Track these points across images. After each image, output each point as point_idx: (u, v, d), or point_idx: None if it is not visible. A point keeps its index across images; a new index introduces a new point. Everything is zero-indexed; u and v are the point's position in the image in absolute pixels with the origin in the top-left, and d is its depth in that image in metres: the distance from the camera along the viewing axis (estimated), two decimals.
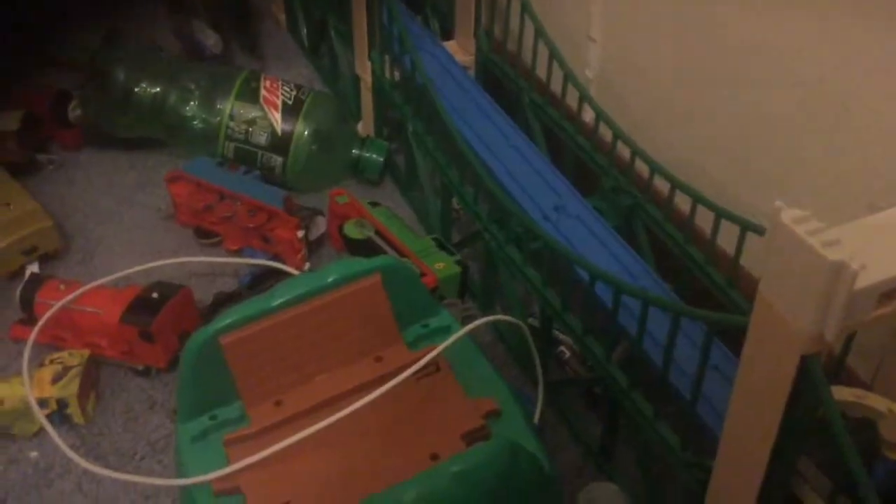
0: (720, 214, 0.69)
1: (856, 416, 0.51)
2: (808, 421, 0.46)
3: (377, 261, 0.64)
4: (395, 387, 0.59)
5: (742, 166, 0.75)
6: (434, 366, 0.62)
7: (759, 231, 0.66)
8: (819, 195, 0.68)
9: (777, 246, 0.42)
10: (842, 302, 0.40)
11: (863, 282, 0.40)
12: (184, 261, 0.88)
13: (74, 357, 0.76)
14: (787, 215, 0.42)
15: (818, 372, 0.43)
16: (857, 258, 0.39)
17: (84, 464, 0.65)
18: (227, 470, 0.56)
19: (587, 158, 0.84)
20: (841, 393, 0.52)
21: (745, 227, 0.67)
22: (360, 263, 0.63)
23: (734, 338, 0.59)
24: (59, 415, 0.74)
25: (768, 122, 0.71)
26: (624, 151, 0.80)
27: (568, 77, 0.85)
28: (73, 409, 0.74)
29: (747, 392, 0.48)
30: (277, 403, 0.60)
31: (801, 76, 0.66)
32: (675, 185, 0.74)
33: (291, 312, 0.60)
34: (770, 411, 0.46)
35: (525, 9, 0.89)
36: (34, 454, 0.73)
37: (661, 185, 0.76)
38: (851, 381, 0.65)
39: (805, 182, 0.69)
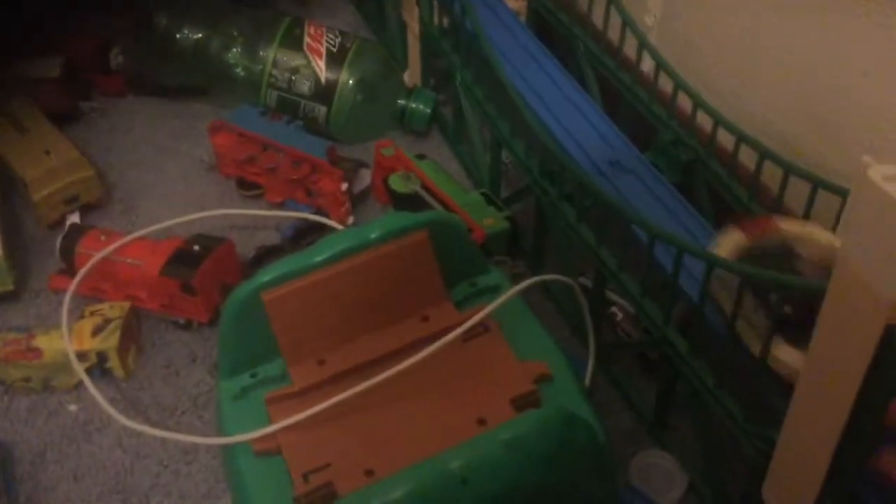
0: (789, 170, 0.65)
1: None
2: (888, 395, 0.43)
3: (424, 216, 0.61)
4: (441, 348, 0.57)
5: (814, 119, 0.71)
6: (483, 326, 0.59)
7: (832, 189, 0.62)
8: None
9: (863, 205, 0.39)
10: None
11: None
12: (226, 213, 0.86)
13: (115, 309, 0.75)
14: (877, 172, 0.38)
15: None
16: None
17: (123, 420, 0.64)
18: (268, 430, 0.55)
19: (645, 110, 0.80)
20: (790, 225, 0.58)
21: (817, 183, 0.63)
22: (407, 218, 0.60)
23: (803, 304, 0.56)
24: (100, 368, 0.73)
25: (850, 69, 0.66)
26: (685, 103, 0.76)
27: (626, 24, 0.80)
28: (114, 363, 0.73)
29: (822, 361, 0.45)
30: (320, 363, 0.58)
31: (885, 20, 0.61)
32: (741, 138, 0.70)
33: (335, 269, 0.58)
34: (846, 383, 0.43)
35: None
36: (74, 407, 0.72)
37: (725, 139, 0.72)
38: None
39: (883, 136, 0.64)
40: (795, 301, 0.51)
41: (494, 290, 0.63)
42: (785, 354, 0.52)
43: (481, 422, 0.54)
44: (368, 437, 0.55)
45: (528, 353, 0.59)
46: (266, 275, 0.57)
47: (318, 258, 0.58)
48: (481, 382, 0.57)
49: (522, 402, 0.55)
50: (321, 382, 0.57)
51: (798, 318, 0.49)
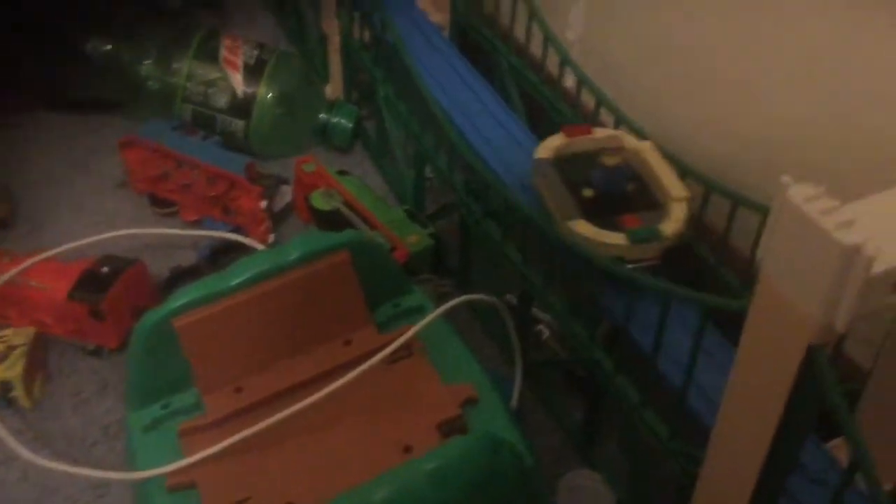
0: (710, 187, 0.66)
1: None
2: (810, 414, 0.43)
3: (345, 235, 0.59)
4: (364, 372, 0.55)
5: (737, 136, 0.71)
6: (407, 349, 0.58)
7: (753, 206, 0.62)
8: (817, 167, 0.64)
9: (784, 225, 0.39)
10: (856, 289, 0.37)
11: (879, 266, 0.37)
12: (138, 232, 0.83)
13: (19, 336, 0.71)
14: (796, 192, 0.38)
15: (824, 364, 0.40)
16: (872, 241, 0.36)
17: (27, 455, 0.61)
18: (181, 463, 0.52)
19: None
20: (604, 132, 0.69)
21: (738, 201, 0.63)
22: (327, 238, 0.58)
23: (726, 320, 0.56)
24: (4, 398, 0.69)
25: (768, 87, 0.67)
26: (608, 119, 0.76)
27: (548, 39, 0.80)
28: (19, 392, 0.69)
29: (745, 381, 0.44)
30: (237, 390, 0.56)
31: (801, 37, 0.62)
32: (663, 155, 0.70)
33: (252, 292, 0.56)
34: (769, 403, 0.43)
35: None
36: None
37: None
38: (850, 368, 0.62)
39: (807, 156, 0.65)
40: (597, 189, 0.64)
41: (418, 311, 0.62)
42: (581, 227, 0.61)
43: (407, 449, 0.53)
44: (289, 467, 0.53)
45: (453, 376, 0.58)
46: (178, 300, 0.55)
47: (234, 282, 0.56)
48: (406, 407, 0.56)
49: (448, 428, 0.54)
50: (238, 411, 0.55)
51: (597, 204, 0.63)
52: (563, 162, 0.67)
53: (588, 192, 0.64)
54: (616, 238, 0.60)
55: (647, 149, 0.67)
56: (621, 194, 0.64)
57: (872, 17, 0.57)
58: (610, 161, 0.64)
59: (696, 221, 0.68)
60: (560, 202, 0.63)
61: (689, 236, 0.68)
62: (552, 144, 0.68)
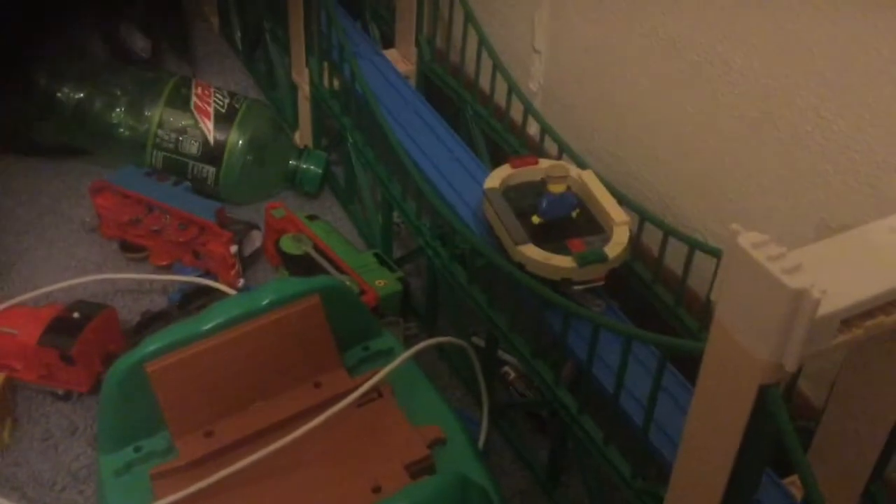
0: (668, 232, 0.68)
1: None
2: (765, 450, 0.45)
3: (315, 281, 0.61)
4: (334, 415, 0.56)
5: (691, 182, 0.74)
6: (376, 392, 0.59)
7: (707, 250, 0.65)
8: (768, 213, 0.67)
9: (734, 271, 0.41)
10: (803, 331, 0.39)
11: (825, 309, 0.39)
12: (109, 277, 0.83)
13: None
14: (745, 239, 0.40)
15: (778, 402, 0.42)
16: (817, 284, 0.38)
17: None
18: None
19: None
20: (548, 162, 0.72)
21: (694, 245, 0.66)
22: (297, 284, 0.60)
23: (685, 361, 0.58)
24: None
25: (718, 137, 0.70)
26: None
27: (512, 89, 0.83)
28: None
29: (702, 420, 0.46)
30: (208, 434, 0.57)
31: (752, 89, 0.65)
32: (622, 200, 0.72)
33: (223, 337, 0.57)
34: (726, 441, 0.44)
35: (469, 18, 0.87)
36: None
37: None
38: (803, 405, 0.64)
39: (754, 199, 0.68)
40: (544, 216, 0.67)
41: (387, 354, 0.63)
42: (530, 251, 0.64)
43: (376, 490, 0.54)
44: None
45: (421, 417, 0.59)
46: (150, 345, 0.56)
47: (206, 326, 0.57)
48: (375, 449, 0.57)
49: (417, 468, 0.55)
50: (209, 455, 0.56)
51: (545, 229, 0.67)
52: (510, 191, 0.71)
53: (536, 219, 0.67)
54: (564, 261, 0.64)
55: (589, 176, 0.71)
56: (567, 220, 0.68)
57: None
58: (556, 189, 0.68)
59: (655, 264, 0.70)
60: (510, 228, 0.66)
61: (648, 279, 0.71)
62: (500, 175, 0.71)
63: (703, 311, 0.67)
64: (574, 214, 0.68)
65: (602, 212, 0.68)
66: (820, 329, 0.39)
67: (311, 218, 0.87)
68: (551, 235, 0.66)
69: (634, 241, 0.71)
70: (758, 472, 0.46)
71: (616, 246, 0.66)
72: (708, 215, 0.73)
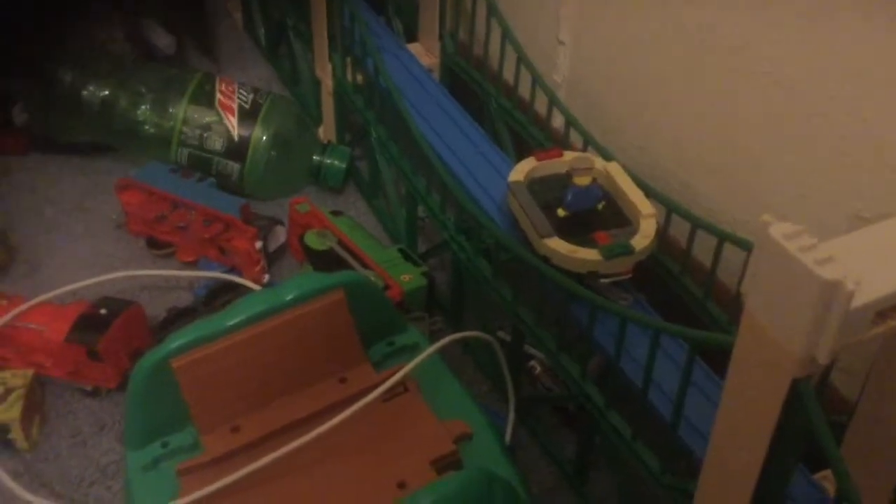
0: (696, 224, 0.67)
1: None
2: (797, 445, 0.44)
3: (339, 276, 0.60)
4: (360, 410, 0.56)
5: (718, 173, 0.73)
6: (401, 386, 0.59)
7: (736, 242, 0.64)
8: (801, 204, 0.66)
9: (766, 262, 0.40)
10: (837, 322, 0.38)
11: (858, 300, 0.38)
12: (135, 274, 0.83)
13: (17, 377, 0.72)
14: (777, 230, 0.39)
15: (810, 396, 0.41)
16: (851, 275, 0.37)
17: (28, 496, 0.61)
18: (180, 502, 0.53)
19: None
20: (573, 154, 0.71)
21: (723, 237, 0.65)
22: (322, 279, 0.59)
23: (714, 354, 0.57)
24: (1, 440, 0.69)
25: (747, 127, 0.69)
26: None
27: (536, 81, 0.82)
28: (16, 434, 0.70)
29: (733, 415, 0.45)
30: (234, 429, 0.57)
31: (782, 79, 0.64)
32: (649, 192, 0.71)
33: (248, 332, 0.57)
34: (757, 436, 0.44)
35: (492, 11, 0.86)
36: None
37: None
38: (835, 399, 0.63)
39: (784, 190, 0.67)
40: (569, 208, 0.67)
41: (412, 349, 0.63)
42: (556, 244, 0.64)
43: (401, 485, 0.53)
44: None
45: (447, 412, 0.59)
46: (175, 341, 0.56)
47: (230, 322, 0.57)
48: (401, 444, 0.56)
49: (443, 464, 0.55)
50: (235, 450, 0.56)
51: (571, 222, 0.66)
52: (535, 184, 0.70)
53: (561, 212, 0.67)
54: (590, 254, 0.63)
55: (615, 168, 0.70)
56: (593, 213, 0.67)
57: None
58: (581, 181, 0.67)
59: (683, 257, 0.69)
60: (535, 222, 0.66)
61: (676, 271, 0.70)
62: (524, 168, 0.71)
63: (733, 304, 0.66)
64: (600, 207, 0.68)
65: (628, 204, 0.68)
66: (854, 321, 0.38)
67: (336, 213, 0.87)
68: (577, 228, 0.66)
69: (662, 234, 0.71)
70: (789, 466, 0.45)
71: (643, 238, 0.65)
72: (737, 207, 0.72)
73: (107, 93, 0.91)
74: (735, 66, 0.68)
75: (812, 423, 0.41)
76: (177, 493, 0.54)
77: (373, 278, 0.75)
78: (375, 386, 0.58)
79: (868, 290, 0.39)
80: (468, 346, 0.80)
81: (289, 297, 0.58)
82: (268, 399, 0.58)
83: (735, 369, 0.44)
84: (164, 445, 0.57)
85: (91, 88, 0.91)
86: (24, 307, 0.74)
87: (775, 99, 0.65)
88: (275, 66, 1.13)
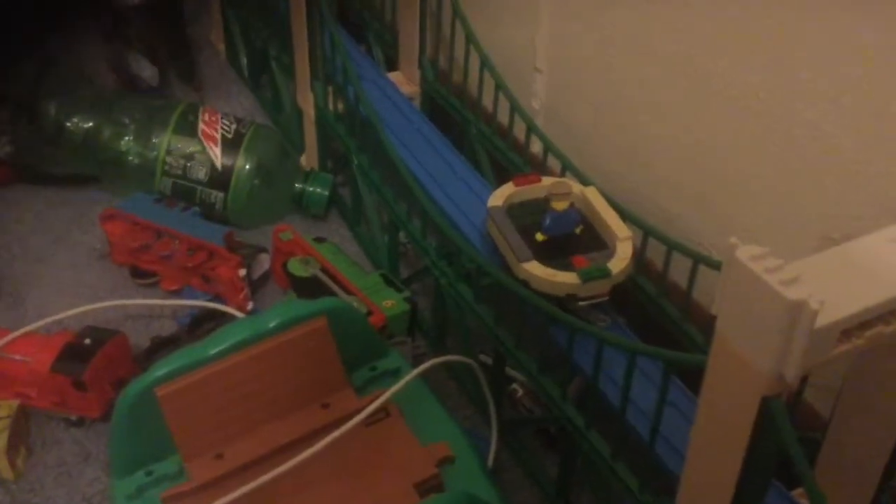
0: (671, 247, 0.68)
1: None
2: (770, 462, 0.45)
3: (322, 303, 0.61)
4: (343, 435, 0.57)
5: (693, 196, 0.75)
6: (383, 411, 0.60)
7: (710, 263, 0.65)
8: (771, 226, 0.67)
9: (733, 284, 0.41)
10: (803, 341, 0.39)
11: (823, 320, 0.39)
12: (119, 304, 0.84)
13: (2, 408, 0.72)
14: (744, 252, 0.40)
15: (781, 413, 0.42)
16: (816, 295, 0.38)
17: None
18: None
19: None
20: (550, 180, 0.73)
21: (697, 259, 0.66)
22: (304, 306, 0.60)
23: (692, 374, 0.58)
24: None
25: (720, 151, 0.70)
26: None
27: (514, 108, 0.84)
28: (2, 464, 0.70)
29: (706, 433, 0.46)
30: (218, 456, 0.57)
31: (753, 105, 0.66)
32: (626, 216, 0.73)
33: (232, 360, 0.58)
34: (730, 453, 0.45)
35: (470, 39, 0.88)
36: None
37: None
38: (809, 415, 0.64)
39: (756, 212, 0.69)
40: (548, 233, 0.69)
41: (395, 374, 0.64)
42: (534, 269, 0.65)
43: None
44: None
45: (429, 436, 0.59)
46: (159, 369, 0.56)
47: (214, 350, 0.58)
48: (384, 468, 0.57)
49: (425, 487, 0.55)
50: (219, 477, 0.56)
51: (549, 246, 0.68)
52: (514, 209, 0.72)
53: (540, 236, 0.68)
54: (568, 277, 0.65)
55: (592, 193, 0.72)
56: (571, 237, 0.69)
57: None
58: (559, 206, 0.68)
59: (659, 279, 0.70)
60: (514, 246, 0.67)
61: (653, 293, 0.71)
62: (503, 193, 0.73)
63: (709, 325, 0.67)
64: (577, 231, 0.69)
65: (605, 228, 0.69)
66: (820, 339, 0.40)
67: (319, 240, 0.88)
68: (555, 252, 0.67)
69: (639, 256, 0.72)
70: (763, 483, 0.46)
71: (620, 261, 0.66)
72: (711, 230, 0.73)
73: (90, 124, 0.92)
74: (708, 91, 0.69)
75: (783, 440, 0.42)
76: None
77: (356, 304, 0.76)
78: (357, 411, 0.58)
79: (833, 309, 0.40)
80: (451, 370, 0.81)
81: (272, 325, 0.59)
82: (251, 426, 0.58)
83: (707, 388, 0.45)
84: (149, 474, 0.57)
85: (75, 120, 0.92)
86: (8, 338, 0.74)
87: (747, 124, 0.67)
88: (257, 96, 1.15)
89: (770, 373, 0.40)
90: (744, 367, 0.41)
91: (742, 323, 0.41)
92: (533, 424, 0.75)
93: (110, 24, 1.04)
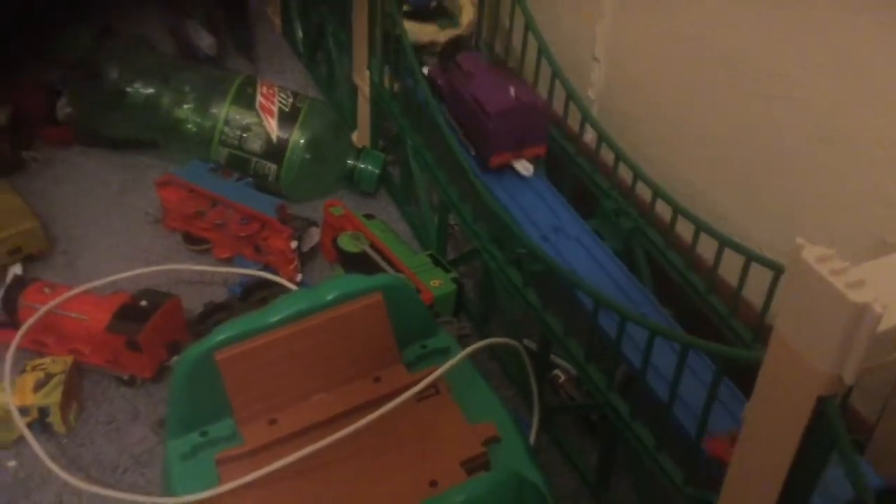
0: (723, 243, 0.69)
1: None
2: (820, 461, 0.45)
3: (379, 279, 0.62)
4: (393, 409, 0.58)
5: (747, 194, 0.75)
6: (434, 388, 0.61)
7: (765, 262, 0.66)
8: (826, 227, 0.67)
9: (797, 284, 0.42)
10: (863, 344, 0.40)
11: (886, 323, 0.40)
12: (173, 268, 0.86)
13: (58, 364, 0.74)
14: (810, 253, 0.41)
15: (835, 414, 0.43)
16: (880, 299, 0.39)
17: (67, 477, 0.64)
18: (218, 490, 0.55)
19: (587, 180, 0.83)
20: None
21: (751, 257, 0.66)
22: (362, 281, 0.61)
23: (736, 370, 0.59)
24: (40, 423, 0.72)
25: (777, 150, 0.70)
26: (626, 174, 0.79)
27: (570, 96, 0.84)
28: (55, 418, 0.72)
29: (758, 430, 0.47)
30: (272, 422, 0.59)
31: (814, 107, 0.66)
32: (678, 210, 0.73)
33: (290, 329, 0.59)
34: (781, 451, 0.45)
35: (529, 26, 0.88)
36: (12, 463, 0.71)
37: (663, 209, 0.76)
38: (855, 420, 0.64)
39: (812, 213, 0.69)
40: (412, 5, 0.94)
41: (444, 353, 0.65)
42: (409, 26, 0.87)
43: (433, 484, 0.55)
44: (320, 497, 0.55)
45: (476, 415, 0.60)
46: (221, 334, 0.58)
47: (274, 318, 0.59)
48: (432, 444, 0.58)
49: (473, 465, 0.56)
50: (272, 442, 0.58)
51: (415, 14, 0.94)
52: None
53: (407, 7, 0.92)
54: (430, 29, 0.92)
55: None
56: (428, 8, 0.95)
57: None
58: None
59: (709, 275, 0.71)
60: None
61: (703, 289, 0.72)
62: None
63: (757, 322, 0.68)
64: (433, 5, 0.95)
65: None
66: (880, 343, 0.40)
67: (368, 217, 0.89)
68: (419, 18, 0.94)
69: (689, 251, 0.72)
70: (811, 482, 0.47)
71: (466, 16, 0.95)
72: (764, 228, 0.73)
73: (151, 91, 0.94)
74: (769, 91, 0.69)
75: (837, 439, 0.43)
76: (215, 481, 0.56)
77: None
78: (409, 386, 0.60)
79: (894, 314, 0.40)
80: (494, 351, 0.82)
81: (329, 297, 0.60)
82: (305, 394, 0.60)
83: (762, 385, 0.45)
84: (204, 434, 0.59)
85: (136, 86, 0.94)
86: (68, 294, 0.76)
87: (807, 125, 0.67)
88: (311, 71, 1.16)
89: (828, 373, 0.41)
90: (802, 365, 0.42)
91: (803, 322, 0.41)
92: (576, 411, 0.76)
93: None
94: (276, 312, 0.59)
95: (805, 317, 0.41)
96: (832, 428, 0.42)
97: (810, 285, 0.40)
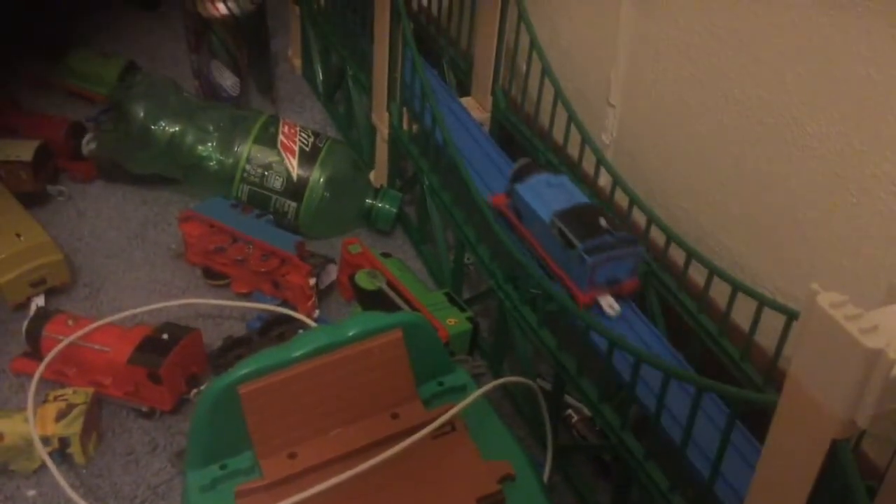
0: (736, 287, 0.70)
1: None
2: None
3: (399, 316, 0.64)
4: (410, 445, 0.59)
5: (759, 239, 0.76)
6: (450, 425, 0.62)
7: (777, 308, 0.67)
8: (838, 273, 0.68)
9: (812, 328, 0.42)
10: (878, 389, 0.40)
11: None
12: (193, 302, 0.87)
13: (79, 395, 0.75)
14: (825, 299, 0.42)
15: (849, 456, 0.43)
16: (893, 345, 0.40)
17: None
18: None
19: None
20: None
21: (763, 302, 0.67)
22: (383, 318, 0.63)
23: (748, 414, 0.60)
24: (60, 453, 0.73)
25: (790, 197, 0.72)
26: (639, 218, 0.81)
27: (585, 140, 0.86)
28: (76, 449, 0.73)
29: (771, 472, 0.48)
30: (291, 456, 0.60)
31: (827, 155, 0.67)
32: (691, 254, 0.75)
33: (311, 364, 0.60)
34: (795, 493, 0.46)
35: (546, 71, 0.91)
36: (32, 493, 0.72)
37: (676, 253, 0.77)
38: (866, 465, 0.65)
39: (824, 259, 0.70)
40: None
41: (461, 390, 0.66)
42: None
43: None
44: None
45: (492, 453, 0.61)
46: (245, 368, 0.59)
47: (296, 353, 0.60)
48: (448, 481, 0.59)
49: (488, 502, 0.57)
50: (292, 476, 0.58)
51: None
52: None
53: None
54: None
55: None
56: None
57: None
58: None
59: (721, 318, 0.72)
60: None
61: (715, 332, 0.73)
62: None
63: (769, 366, 0.69)
64: None
65: None
66: (894, 388, 0.41)
67: (386, 255, 0.90)
68: None
69: (702, 295, 0.74)
70: None
71: None
72: (776, 273, 0.75)
73: (176, 129, 0.96)
74: (782, 138, 0.71)
75: (850, 483, 0.43)
76: None
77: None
78: (426, 423, 0.60)
79: None
80: (507, 390, 0.83)
81: (350, 333, 0.61)
82: (325, 429, 0.61)
83: (776, 428, 0.46)
84: (223, 467, 0.60)
85: (161, 124, 0.96)
86: (92, 326, 0.77)
87: (821, 172, 0.68)
88: (329, 111, 1.18)
89: (842, 417, 0.42)
90: (816, 409, 0.43)
91: (818, 367, 0.42)
92: (590, 451, 0.77)
93: (196, 33, 1.08)
94: (298, 347, 0.60)
95: (819, 361, 0.42)
96: (844, 470, 0.43)
97: (825, 330, 0.41)
